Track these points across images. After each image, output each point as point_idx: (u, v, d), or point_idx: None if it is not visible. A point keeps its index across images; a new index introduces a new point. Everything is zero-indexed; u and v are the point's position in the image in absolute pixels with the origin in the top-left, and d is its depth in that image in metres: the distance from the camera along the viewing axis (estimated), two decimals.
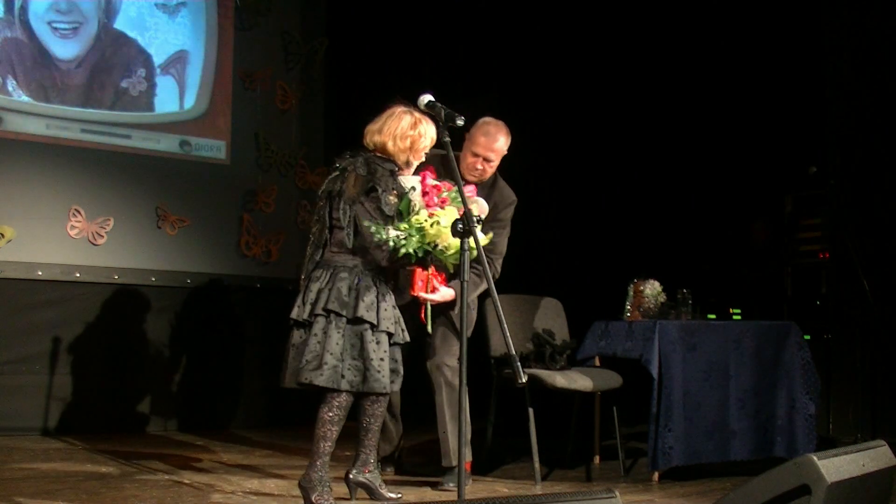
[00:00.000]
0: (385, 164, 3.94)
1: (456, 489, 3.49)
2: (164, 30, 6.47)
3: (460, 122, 3.52)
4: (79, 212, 6.05)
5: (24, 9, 5.95)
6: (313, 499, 3.85)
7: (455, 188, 3.80)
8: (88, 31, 6.19)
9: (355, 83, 7.36)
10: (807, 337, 5.26)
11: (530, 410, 4.67)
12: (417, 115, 3.95)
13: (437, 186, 3.89)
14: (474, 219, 3.30)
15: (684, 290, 5.08)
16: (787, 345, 5.11)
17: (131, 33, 6.35)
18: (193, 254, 6.48)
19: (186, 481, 4.47)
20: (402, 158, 3.97)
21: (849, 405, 5.96)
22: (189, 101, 6.56)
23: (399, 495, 4.10)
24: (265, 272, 6.78)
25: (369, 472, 4.07)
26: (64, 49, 6.10)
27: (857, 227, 6.00)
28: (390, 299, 3.95)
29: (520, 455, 4.82)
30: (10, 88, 5.89)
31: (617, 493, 1.94)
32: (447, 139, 3.52)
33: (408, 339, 4.01)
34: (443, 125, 3.52)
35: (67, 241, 6.01)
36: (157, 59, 6.43)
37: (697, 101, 6.93)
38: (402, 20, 7.42)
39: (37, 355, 5.86)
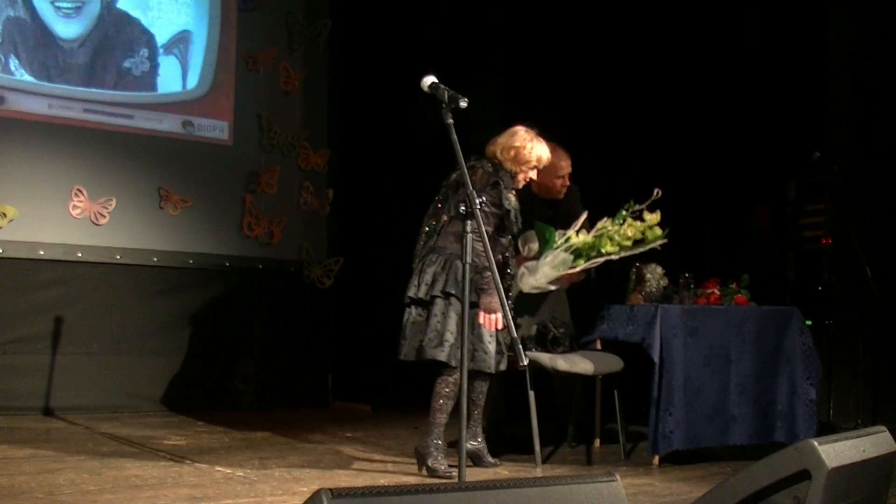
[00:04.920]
0: (502, 169, 4.41)
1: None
2: (167, 10, 6.44)
3: (463, 104, 3.47)
4: (81, 192, 6.05)
5: None
6: (429, 463, 4.27)
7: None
8: (91, 11, 6.16)
9: (358, 65, 7.33)
10: (808, 323, 5.25)
11: (531, 394, 4.67)
12: (532, 134, 4.44)
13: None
14: (477, 202, 3.31)
15: (686, 275, 5.07)
16: (788, 330, 5.10)
17: (134, 13, 6.33)
18: (195, 234, 6.48)
19: (188, 461, 4.48)
20: (507, 167, 4.41)
21: (850, 391, 5.96)
22: (192, 82, 6.54)
23: (498, 462, 4.57)
24: (267, 253, 6.78)
25: (477, 441, 4.51)
26: (67, 29, 6.07)
27: (859, 213, 5.99)
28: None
29: (521, 438, 4.83)
30: (12, 68, 5.87)
31: (617, 477, 1.94)
32: (450, 121, 3.47)
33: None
34: (446, 107, 3.48)
35: (69, 220, 6.01)
36: (160, 39, 6.41)
37: (701, 87, 6.90)
38: (406, 2, 7.39)
39: (38, 335, 5.88)
